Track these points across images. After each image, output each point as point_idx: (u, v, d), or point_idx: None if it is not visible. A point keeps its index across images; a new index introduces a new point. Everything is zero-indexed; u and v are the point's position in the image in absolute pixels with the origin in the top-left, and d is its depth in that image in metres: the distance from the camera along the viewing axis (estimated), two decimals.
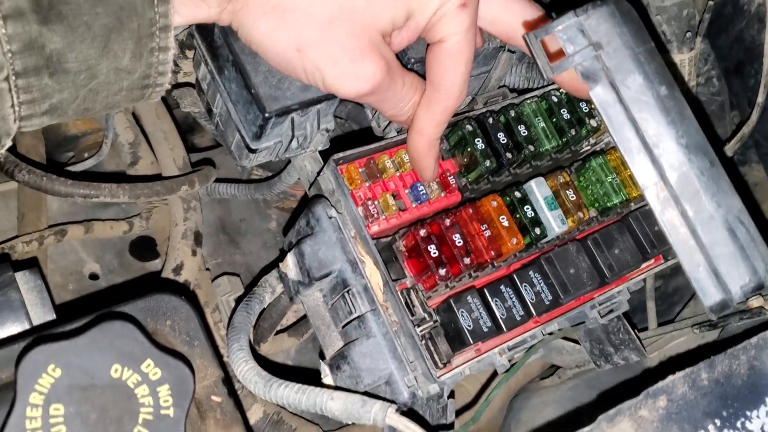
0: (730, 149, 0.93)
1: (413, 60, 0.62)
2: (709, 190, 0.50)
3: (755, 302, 0.72)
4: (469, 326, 0.59)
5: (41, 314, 0.59)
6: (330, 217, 0.60)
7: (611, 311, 0.70)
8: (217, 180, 0.89)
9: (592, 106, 0.69)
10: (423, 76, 0.60)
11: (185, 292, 0.71)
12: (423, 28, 0.54)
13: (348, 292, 0.59)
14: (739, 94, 0.98)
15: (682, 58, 0.87)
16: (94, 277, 0.91)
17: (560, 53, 0.53)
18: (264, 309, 0.69)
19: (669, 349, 0.78)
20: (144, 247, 0.94)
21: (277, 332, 0.82)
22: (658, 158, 0.49)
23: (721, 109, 1.01)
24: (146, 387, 0.48)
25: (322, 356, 0.64)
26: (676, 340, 0.79)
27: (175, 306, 0.53)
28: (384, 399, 0.55)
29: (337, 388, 0.60)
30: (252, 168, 1.02)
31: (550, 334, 0.67)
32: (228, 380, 0.57)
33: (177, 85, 0.78)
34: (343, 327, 0.61)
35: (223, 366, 0.57)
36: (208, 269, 0.87)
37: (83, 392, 0.46)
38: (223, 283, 0.83)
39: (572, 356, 0.88)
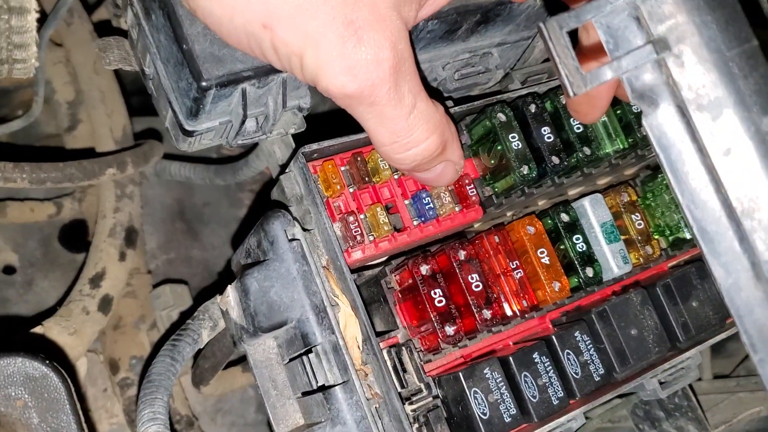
0: None
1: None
2: None
3: None
4: (484, 413, 0.40)
5: None
6: (291, 239, 0.41)
7: (675, 378, 0.51)
8: (168, 157, 0.70)
9: None
10: (433, 42, 0.41)
11: (55, 353, 0.51)
12: None
13: (310, 353, 0.40)
14: None
15: None
16: (9, 270, 0.73)
17: (597, 53, 0.34)
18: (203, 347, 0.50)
19: (738, 424, 0.60)
20: (76, 235, 0.75)
21: (228, 365, 0.63)
22: (750, 235, 0.28)
23: None
24: None
25: (271, 428, 0.45)
26: (747, 410, 0.60)
27: (33, 376, 0.33)
28: None
29: None
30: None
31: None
32: None
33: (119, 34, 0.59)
34: (303, 395, 0.42)
35: None
36: (149, 272, 0.69)
37: None
38: (164, 294, 0.64)
39: (603, 407, 0.70)
